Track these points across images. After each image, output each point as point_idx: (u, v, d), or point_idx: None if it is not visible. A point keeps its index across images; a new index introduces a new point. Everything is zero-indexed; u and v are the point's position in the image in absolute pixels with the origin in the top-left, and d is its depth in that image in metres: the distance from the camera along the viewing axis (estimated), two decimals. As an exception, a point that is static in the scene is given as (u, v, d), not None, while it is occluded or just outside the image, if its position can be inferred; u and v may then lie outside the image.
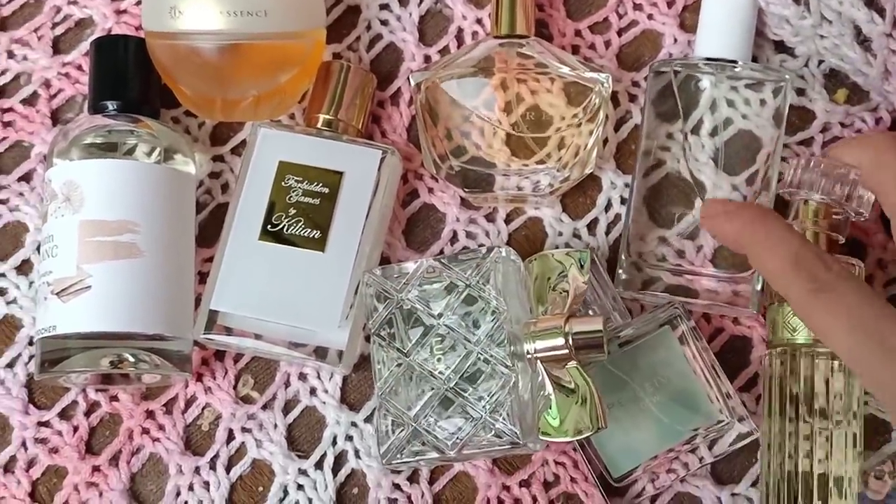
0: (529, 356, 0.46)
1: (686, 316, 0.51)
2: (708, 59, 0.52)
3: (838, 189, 0.46)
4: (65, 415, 0.52)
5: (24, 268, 0.53)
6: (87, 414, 0.52)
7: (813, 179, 0.47)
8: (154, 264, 0.48)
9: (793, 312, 0.47)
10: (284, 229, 0.50)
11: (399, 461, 0.47)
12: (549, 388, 0.46)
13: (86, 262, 0.47)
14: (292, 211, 0.50)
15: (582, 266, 0.48)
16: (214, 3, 0.48)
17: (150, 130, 0.50)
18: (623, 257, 0.52)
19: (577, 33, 0.56)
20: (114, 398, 0.52)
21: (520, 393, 0.46)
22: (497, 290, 0.47)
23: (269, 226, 0.50)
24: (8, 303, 0.53)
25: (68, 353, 0.48)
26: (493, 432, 0.46)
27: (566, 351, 0.46)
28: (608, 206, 0.54)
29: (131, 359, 0.48)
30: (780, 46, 0.55)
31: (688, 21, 0.56)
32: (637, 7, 0.56)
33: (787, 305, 0.47)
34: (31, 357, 0.52)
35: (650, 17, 0.56)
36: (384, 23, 0.56)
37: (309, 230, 0.50)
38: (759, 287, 0.51)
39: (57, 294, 0.47)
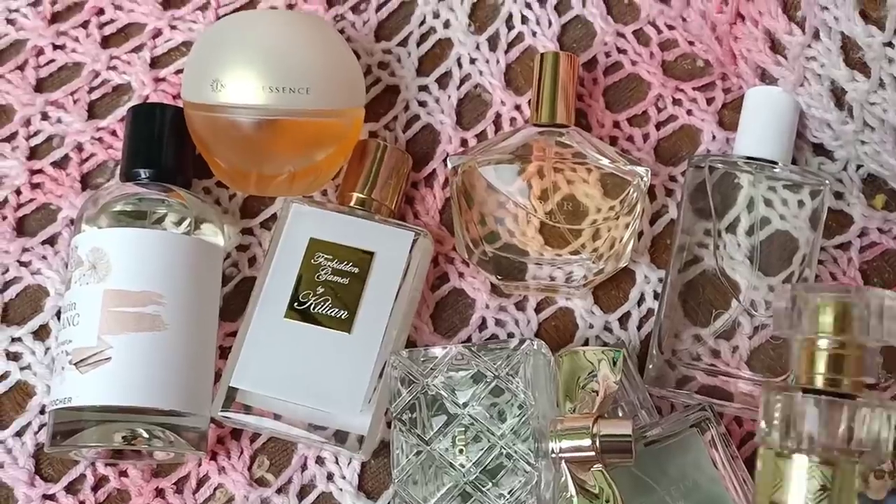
0: (554, 455, 0.45)
1: (716, 420, 0.49)
2: (748, 158, 0.52)
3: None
4: (71, 489, 0.50)
5: (42, 333, 0.52)
6: (95, 489, 0.50)
7: None
8: (176, 338, 0.47)
9: None
10: (311, 308, 0.49)
11: None
12: (571, 490, 0.45)
13: (107, 332, 0.46)
14: (320, 289, 0.49)
15: (614, 366, 0.46)
16: (257, 78, 0.48)
17: (182, 200, 0.50)
18: (654, 353, 0.51)
19: (616, 125, 0.56)
20: (123, 473, 0.50)
21: (541, 492, 0.45)
22: (526, 384, 0.46)
23: (295, 303, 0.49)
24: (21, 368, 0.51)
25: (81, 425, 0.46)
26: (511, 532, 0.44)
27: (592, 453, 0.44)
28: (641, 301, 0.53)
29: (145, 435, 0.46)
30: (819, 149, 0.55)
31: (726, 118, 0.56)
32: (676, 102, 0.56)
33: None
34: (41, 426, 0.50)
35: (689, 112, 0.56)
36: (422, 104, 0.56)
37: (336, 310, 0.49)
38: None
39: (75, 364, 0.46)
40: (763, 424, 0.35)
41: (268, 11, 0.55)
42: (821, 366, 0.35)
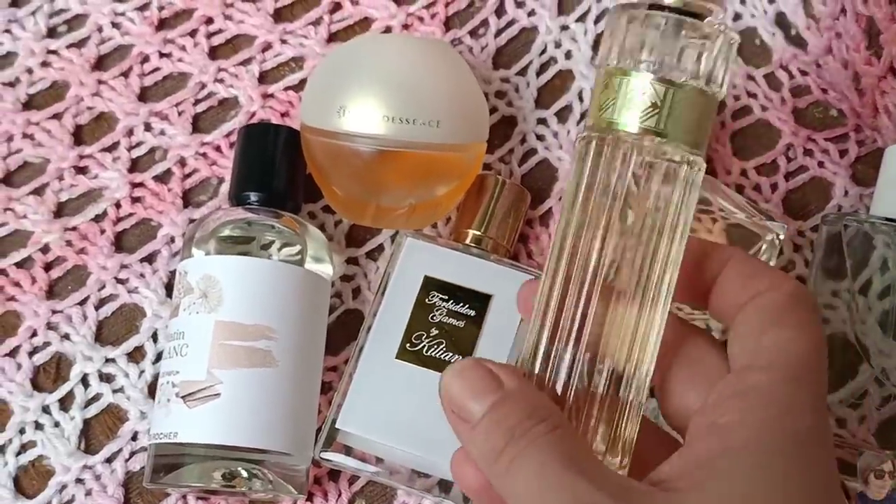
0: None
1: (845, 493, 0.47)
2: (889, 219, 0.49)
3: None
4: (162, 523, 0.48)
5: (136, 355, 0.50)
6: (186, 524, 0.48)
7: None
8: (286, 375, 0.45)
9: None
10: (424, 350, 0.47)
11: None
12: None
13: (217, 366, 0.44)
14: (434, 331, 0.47)
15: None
16: (386, 108, 0.45)
17: (292, 227, 0.47)
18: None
19: (743, 172, 0.53)
20: (215, 509, 0.48)
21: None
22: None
23: (408, 344, 0.47)
24: (114, 391, 0.49)
25: (183, 461, 0.44)
26: None
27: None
28: (763, 361, 0.51)
29: (245, 474, 0.44)
30: (958, 212, 0.52)
31: (859, 173, 0.53)
32: (808, 153, 0.54)
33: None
34: (131, 453, 0.48)
35: (821, 164, 0.53)
36: (540, 138, 0.54)
37: (451, 354, 0.47)
38: (925, 470, 0.47)
39: (183, 398, 0.44)
40: (602, 46, 0.33)
41: (398, 37, 0.53)
42: None
